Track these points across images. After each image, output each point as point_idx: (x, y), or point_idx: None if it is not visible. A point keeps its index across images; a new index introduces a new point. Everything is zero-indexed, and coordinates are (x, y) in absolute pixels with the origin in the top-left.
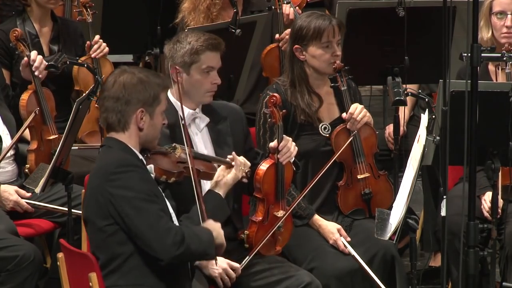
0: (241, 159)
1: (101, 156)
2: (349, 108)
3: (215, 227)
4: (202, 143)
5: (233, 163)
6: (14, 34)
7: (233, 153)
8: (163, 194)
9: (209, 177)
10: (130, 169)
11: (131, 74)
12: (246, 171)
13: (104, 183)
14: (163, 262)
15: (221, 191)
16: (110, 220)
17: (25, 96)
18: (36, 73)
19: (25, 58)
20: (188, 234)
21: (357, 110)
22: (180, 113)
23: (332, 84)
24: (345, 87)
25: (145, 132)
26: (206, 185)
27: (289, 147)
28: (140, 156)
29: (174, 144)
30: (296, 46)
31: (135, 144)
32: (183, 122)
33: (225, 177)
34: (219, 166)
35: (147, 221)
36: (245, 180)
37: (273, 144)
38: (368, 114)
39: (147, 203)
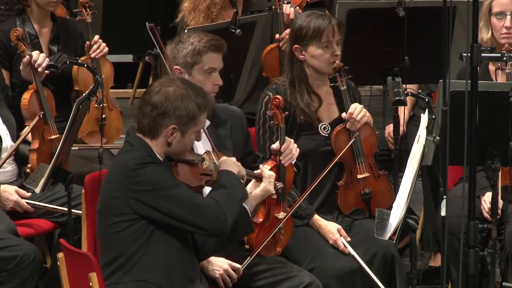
0: (269, 171)
1: (121, 153)
2: (349, 108)
3: (230, 164)
4: (203, 146)
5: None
6: (15, 34)
7: (260, 165)
8: None
9: None
10: (148, 164)
11: (177, 87)
12: (278, 186)
13: (124, 180)
14: (219, 236)
15: (248, 205)
16: (125, 217)
17: (26, 96)
18: (39, 70)
19: (27, 57)
20: (222, 201)
21: (357, 109)
22: None
23: (332, 84)
24: (345, 87)
25: (173, 147)
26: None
27: (291, 149)
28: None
29: (204, 155)
30: (296, 46)
31: (160, 152)
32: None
33: (253, 190)
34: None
35: (185, 206)
36: (274, 197)
37: (275, 146)
38: (368, 114)
39: (174, 189)
